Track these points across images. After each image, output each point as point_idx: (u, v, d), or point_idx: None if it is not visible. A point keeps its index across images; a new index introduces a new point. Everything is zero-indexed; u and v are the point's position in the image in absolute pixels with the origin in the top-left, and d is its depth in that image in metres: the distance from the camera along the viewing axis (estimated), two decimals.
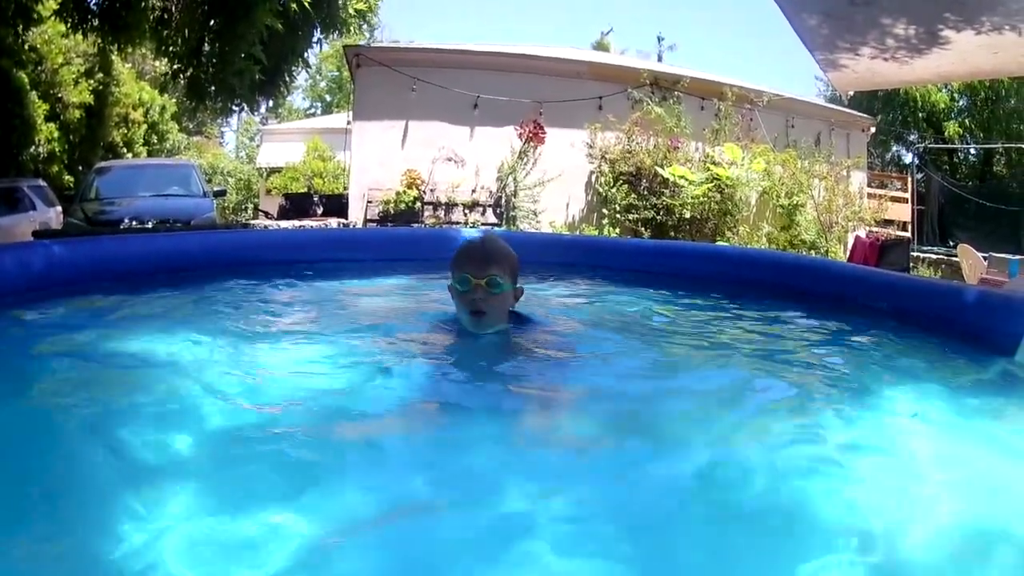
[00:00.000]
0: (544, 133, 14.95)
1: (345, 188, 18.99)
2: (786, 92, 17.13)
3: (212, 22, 12.73)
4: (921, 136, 28.45)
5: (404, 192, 14.65)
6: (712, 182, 14.73)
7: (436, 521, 1.44)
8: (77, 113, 20.03)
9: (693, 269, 5.55)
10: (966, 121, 27.64)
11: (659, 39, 32.62)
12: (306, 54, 16.06)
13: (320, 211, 18.82)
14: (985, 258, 10.39)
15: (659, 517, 1.51)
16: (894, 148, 31.64)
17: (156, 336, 2.76)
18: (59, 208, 13.66)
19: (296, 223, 15.42)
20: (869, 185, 19.87)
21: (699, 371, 2.76)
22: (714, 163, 15.10)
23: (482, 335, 2.64)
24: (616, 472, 1.71)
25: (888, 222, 18.30)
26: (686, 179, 14.51)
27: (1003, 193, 23.07)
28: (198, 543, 1.32)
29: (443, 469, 1.70)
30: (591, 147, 15.43)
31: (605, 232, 14.66)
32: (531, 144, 15.02)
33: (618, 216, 14.91)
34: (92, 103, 20.61)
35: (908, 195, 20.77)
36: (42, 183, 14.41)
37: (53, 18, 14.18)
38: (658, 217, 14.73)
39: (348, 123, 18.34)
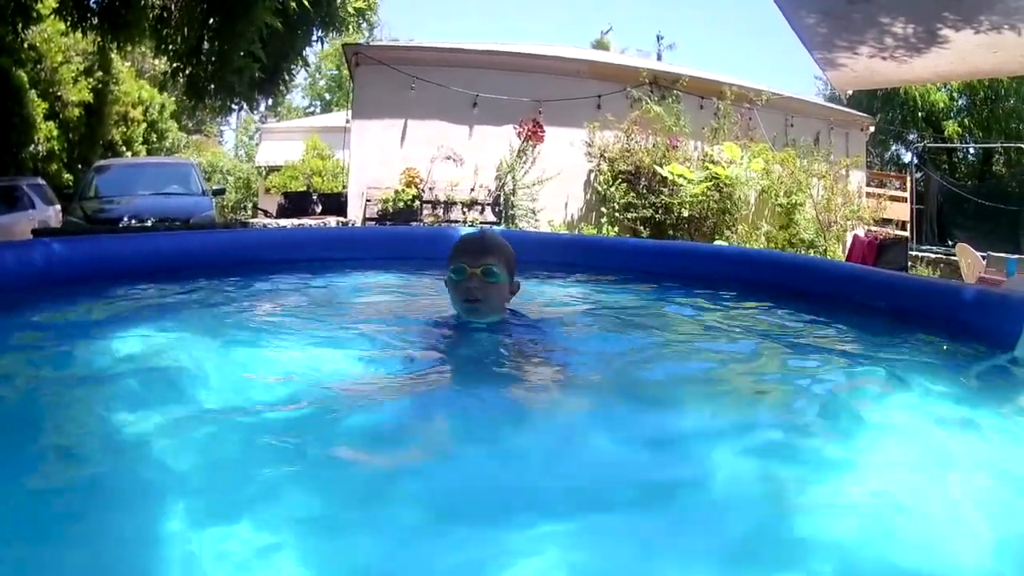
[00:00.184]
0: (543, 132, 14.95)
1: (344, 187, 19.01)
2: (785, 91, 17.13)
3: (211, 20, 12.72)
4: (920, 135, 28.44)
5: (403, 191, 14.65)
6: (711, 181, 14.73)
7: (430, 520, 1.44)
8: (76, 111, 20.02)
9: (691, 268, 5.55)
10: (965, 120, 27.63)
11: (659, 38, 32.83)
12: (305, 52, 16.09)
13: (319, 210, 18.81)
14: (983, 257, 10.39)
15: (656, 516, 1.51)
16: (893, 147, 31.66)
17: (154, 334, 2.76)
18: (58, 206, 13.66)
19: (295, 222, 15.42)
20: (868, 184, 19.88)
21: (695, 370, 2.76)
22: (713, 162, 15.10)
23: (478, 333, 2.64)
24: (612, 472, 1.71)
25: (887, 221, 18.30)
26: (685, 178, 14.52)
27: (1002, 192, 23.06)
28: (195, 542, 1.32)
29: (438, 469, 1.70)
30: (590, 146, 15.43)
31: (604, 231, 14.67)
32: (530, 143, 15.01)
33: (617, 215, 14.92)
34: (91, 101, 20.60)
35: (907, 194, 20.77)
36: (41, 181, 14.41)
37: (53, 16, 14.22)
38: (657, 216, 14.73)
39: (347, 122, 18.34)
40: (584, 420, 2.08)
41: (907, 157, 28.38)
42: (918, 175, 22.53)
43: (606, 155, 15.27)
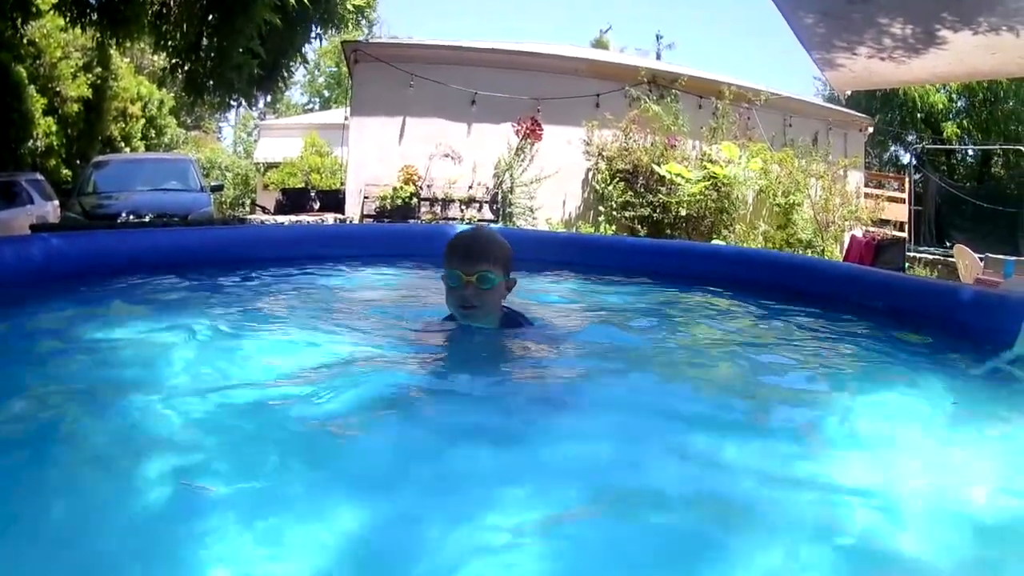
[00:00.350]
0: (541, 130, 14.96)
1: (342, 184, 19.00)
2: (784, 91, 17.13)
3: (211, 17, 12.69)
4: (919, 136, 28.44)
5: (401, 188, 14.65)
6: (709, 180, 14.73)
7: (423, 520, 1.45)
8: (75, 107, 19.97)
9: (689, 267, 5.56)
10: (964, 122, 27.63)
11: (658, 37, 32.81)
12: (304, 49, 16.07)
13: (317, 206, 18.83)
14: (981, 259, 10.39)
15: (652, 516, 1.51)
16: (892, 148, 31.66)
17: (151, 330, 2.77)
18: (56, 202, 13.63)
19: (293, 218, 15.43)
20: (866, 185, 19.88)
21: (693, 370, 2.76)
22: (711, 161, 15.09)
23: (475, 334, 2.65)
24: (609, 471, 1.71)
25: (885, 222, 18.30)
26: (683, 177, 14.52)
27: (1001, 194, 23.05)
28: (191, 542, 1.32)
29: (432, 468, 1.70)
30: (588, 144, 15.44)
31: (601, 230, 14.66)
32: (528, 141, 15.03)
33: (614, 214, 14.93)
34: (90, 97, 20.54)
35: (905, 195, 20.76)
36: (40, 177, 14.36)
37: (52, 12, 14.16)
38: (655, 215, 14.75)
39: (346, 119, 18.34)
40: (582, 419, 2.09)
41: (906, 158, 28.41)
42: (916, 176, 22.49)
43: (604, 154, 15.28)
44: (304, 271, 4.85)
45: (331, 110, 35.52)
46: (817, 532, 1.45)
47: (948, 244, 18.35)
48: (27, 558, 1.24)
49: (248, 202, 30.10)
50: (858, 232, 14.65)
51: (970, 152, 28.97)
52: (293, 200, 19.94)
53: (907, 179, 21.68)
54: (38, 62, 18.70)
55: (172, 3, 12.76)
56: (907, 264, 13.19)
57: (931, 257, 16.39)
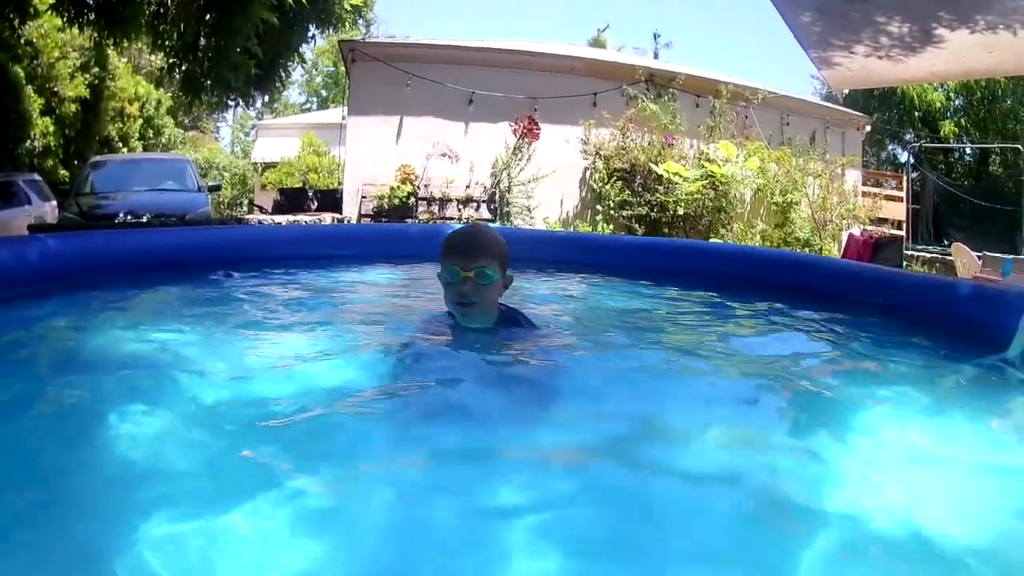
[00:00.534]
0: (539, 129, 14.96)
1: (340, 183, 18.97)
2: (781, 90, 17.13)
3: (208, 16, 12.70)
4: (917, 135, 28.42)
5: (398, 187, 14.66)
6: (706, 179, 14.74)
7: (422, 520, 1.45)
8: (73, 107, 19.94)
9: (687, 266, 5.56)
10: (962, 120, 27.61)
11: (655, 36, 32.65)
12: (302, 49, 16.09)
13: (315, 206, 18.81)
14: (979, 257, 10.39)
15: (650, 517, 1.51)
16: (890, 147, 31.64)
17: (148, 330, 2.76)
18: (54, 202, 13.62)
19: (291, 218, 15.42)
20: (864, 183, 19.87)
21: (691, 369, 2.76)
22: (708, 160, 15.10)
23: (471, 330, 2.64)
24: (605, 471, 1.71)
25: (883, 220, 18.30)
26: (680, 176, 14.53)
27: (998, 193, 23.03)
28: (188, 541, 1.32)
29: (432, 467, 1.70)
30: (585, 143, 15.43)
31: (599, 229, 14.67)
32: (525, 140, 15.03)
33: (612, 213, 14.93)
34: (88, 97, 20.51)
35: (903, 194, 20.75)
36: (37, 177, 14.34)
37: (50, 12, 14.16)
38: (652, 214, 14.76)
39: (343, 118, 18.33)
40: (580, 418, 2.09)
41: (903, 157, 28.38)
42: (914, 175, 22.48)
43: (602, 153, 15.28)
44: (302, 271, 4.84)
45: (328, 110, 35.45)
46: (815, 531, 1.45)
47: (946, 243, 18.34)
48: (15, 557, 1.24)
49: (246, 202, 30.08)
50: (856, 231, 14.67)
51: (968, 150, 28.95)
52: (291, 200, 19.93)
53: (905, 178, 21.67)
54: (36, 62, 18.67)
55: (170, 3, 12.76)
56: (905, 262, 13.20)
57: (929, 256, 16.40)
